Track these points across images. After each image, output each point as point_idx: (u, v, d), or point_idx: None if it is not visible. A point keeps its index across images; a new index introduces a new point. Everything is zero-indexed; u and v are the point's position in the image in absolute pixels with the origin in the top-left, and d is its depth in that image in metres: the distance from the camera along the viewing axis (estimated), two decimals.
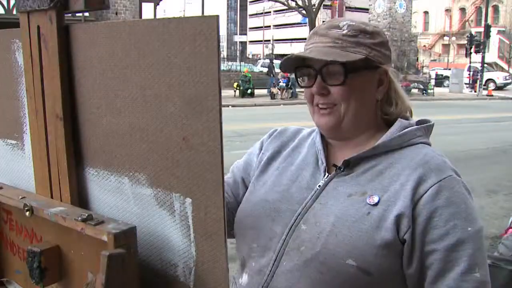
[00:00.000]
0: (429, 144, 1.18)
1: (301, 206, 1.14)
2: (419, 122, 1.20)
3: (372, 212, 1.06)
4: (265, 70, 27.14)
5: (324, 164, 1.18)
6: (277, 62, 28.00)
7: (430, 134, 1.22)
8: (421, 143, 1.16)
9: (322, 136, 1.24)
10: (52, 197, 1.01)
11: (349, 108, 1.13)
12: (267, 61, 31.82)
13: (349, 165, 1.14)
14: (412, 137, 1.15)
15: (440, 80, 32.32)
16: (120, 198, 0.94)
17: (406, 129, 1.15)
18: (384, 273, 1.05)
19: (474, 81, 28.94)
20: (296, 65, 1.18)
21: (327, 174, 1.17)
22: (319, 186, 1.15)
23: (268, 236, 1.15)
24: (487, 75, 30.66)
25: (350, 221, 1.06)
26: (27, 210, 0.95)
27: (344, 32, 1.13)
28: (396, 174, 1.09)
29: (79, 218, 0.86)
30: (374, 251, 1.03)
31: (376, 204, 1.06)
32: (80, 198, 1.00)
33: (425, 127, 1.19)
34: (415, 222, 1.04)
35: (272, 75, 23.39)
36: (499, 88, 31.07)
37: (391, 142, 1.14)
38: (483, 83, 28.33)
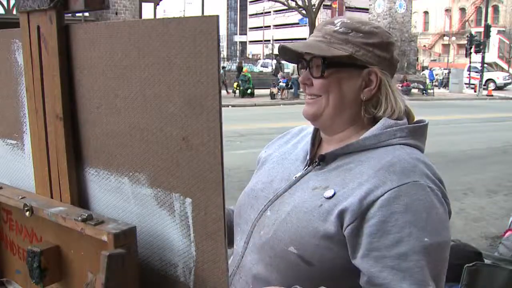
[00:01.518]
0: (414, 146, 1.14)
1: (274, 194, 1.20)
2: (412, 122, 1.19)
3: (324, 204, 1.08)
4: (265, 70, 27.10)
5: (308, 158, 1.22)
6: (284, 62, 28.01)
7: (420, 135, 1.17)
8: (401, 144, 1.12)
9: (316, 131, 1.28)
10: (52, 197, 1.01)
11: (328, 101, 1.15)
12: (267, 61, 31.81)
13: (324, 160, 1.17)
14: (389, 138, 1.12)
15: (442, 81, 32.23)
16: (120, 198, 0.94)
17: (386, 129, 1.13)
18: (323, 262, 1.06)
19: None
20: (296, 56, 1.23)
21: (306, 167, 1.21)
22: (296, 177, 1.20)
23: (246, 220, 1.23)
24: (487, 75, 30.60)
25: (302, 212, 1.10)
26: (27, 210, 0.95)
27: (336, 28, 1.15)
28: (360, 172, 1.09)
29: (79, 218, 0.86)
30: (315, 242, 1.05)
31: (330, 198, 1.08)
32: (80, 198, 1.00)
33: (411, 128, 1.15)
34: (367, 223, 1.01)
35: (277, 75, 23.32)
36: (499, 88, 31.03)
37: (366, 141, 1.13)
38: (483, 83, 28.30)
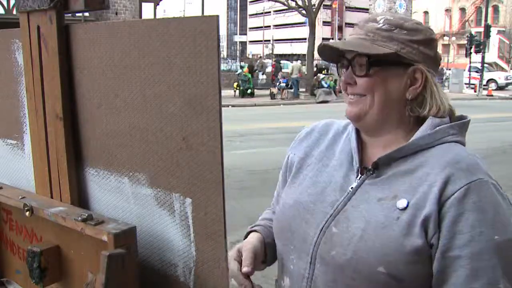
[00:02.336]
0: (463, 143, 1.13)
1: (332, 208, 1.12)
2: (455, 119, 1.16)
3: (401, 217, 1.03)
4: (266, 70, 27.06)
5: (358, 165, 1.16)
6: (284, 62, 27.89)
7: (465, 131, 1.16)
8: (454, 141, 1.11)
9: (357, 133, 1.21)
10: (52, 197, 1.01)
11: (374, 100, 1.11)
12: (268, 61, 31.77)
13: (379, 167, 1.12)
14: (444, 135, 1.10)
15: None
16: (120, 198, 0.94)
17: (438, 127, 1.11)
18: (416, 278, 1.02)
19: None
20: (336, 54, 1.18)
21: (359, 176, 1.14)
22: (352, 188, 1.13)
23: (302, 238, 1.15)
24: (488, 75, 30.56)
25: (380, 227, 1.04)
26: (27, 210, 0.95)
27: (379, 26, 1.12)
28: (425, 173, 1.05)
29: (79, 218, 0.86)
30: (404, 258, 1.01)
31: (405, 209, 1.03)
32: (80, 198, 1.00)
33: (459, 124, 1.14)
34: (440, 224, 1.00)
35: (277, 76, 23.27)
36: (500, 88, 30.97)
37: (421, 141, 1.10)
38: (484, 83, 28.30)
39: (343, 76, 1.15)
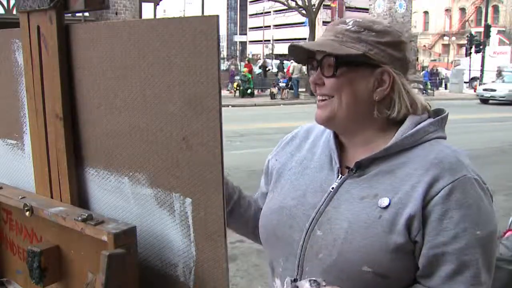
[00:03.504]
0: (443, 137, 1.16)
1: (314, 211, 1.14)
2: (433, 113, 1.18)
3: (383, 215, 1.05)
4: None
5: (338, 165, 1.17)
6: (287, 62, 27.84)
7: (444, 125, 1.18)
8: (435, 138, 1.13)
9: (335, 134, 1.23)
10: (52, 197, 1.01)
11: (341, 101, 1.13)
12: (268, 60, 31.74)
13: (361, 167, 1.13)
14: (425, 134, 1.12)
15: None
16: (120, 198, 0.94)
17: (419, 126, 1.12)
18: (401, 273, 1.05)
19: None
20: (306, 56, 1.20)
21: (340, 176, 1.16)
22: (332, 188, 1.15)
23: (289, 242, 1.16)
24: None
25: (363, 227, 1.06)
26: (27, 210, 0.95)
27: (348, 27, 1.13)
28: (408, 174, 1.07)
29: (79, 218, 0.86)
30: (388, 256, 1.03)
31: (386, 207, 1.05)
32: (80, 198, 1.00)
33: (438, 120, 1.16)
34: (425, 222, 1.03)
35: (277, 75, 23.23)
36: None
37: (404, 141, 1.11)
38: (482, 82, 28.29)
39: (312, 77, 1.16)
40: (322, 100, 1.15)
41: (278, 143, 1.40)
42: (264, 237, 1.26)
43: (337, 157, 1.19)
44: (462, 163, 1.08)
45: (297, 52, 1.20)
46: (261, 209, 1.31)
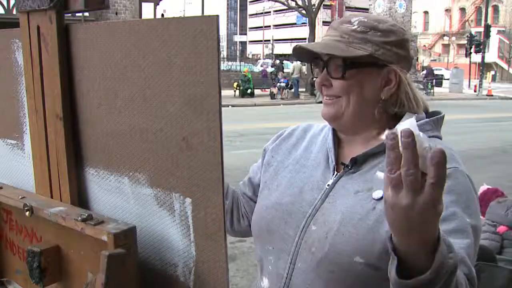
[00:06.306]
0: (439, 137, 1.16)
1: (311, 207, 1.15)
2: (429, 115, 1.19)
3: (376, 206, 1.06)
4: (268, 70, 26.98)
5: (334, 163, 1.19)
6: (286, 62, 27.75)
7: (440, 126, 1.19)
8: (431, 136, 1.14)
9: (334, 132, 1.24)
10: (52, 197, 1.01)
11: (349, 102, 1.14)
12: (268, 60, 31.71)
13: (357, 163, 1.14)
14: (421, 131, 1.13)
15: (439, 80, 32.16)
16: (120, 198, 0.94)
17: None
18: None
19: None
20: (310, 56, 1.20)
21: (336, 173, 1.17)
22: (328, 185, 1.16)
23: (282, 238, 1.17)
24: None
25: (356, 219, 1.06)
26: (27, 210, 0.95)
27: (354, 27, 1.13)
28: None
29: (79, 218, 0.86)
30: (380, 246, 1.03)
31: (380, 198, 1.05)
32: (80, 198, 1.00)
33: (434, 120, 1.17)
34: None
35: (276, 75, 23.17)
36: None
37: None
38: (483, 82, 28.27)
39: (319, 78, 1.17)
40: (329, 100, 1.16)
41: (276, 135, 1.39)
42: (256, 233, 1.26)
43: (333, 154, 1.20)
44: (455, 158, 1.09)
45: (302, 53, 1.20)
46: (239, 198, 1.35)
